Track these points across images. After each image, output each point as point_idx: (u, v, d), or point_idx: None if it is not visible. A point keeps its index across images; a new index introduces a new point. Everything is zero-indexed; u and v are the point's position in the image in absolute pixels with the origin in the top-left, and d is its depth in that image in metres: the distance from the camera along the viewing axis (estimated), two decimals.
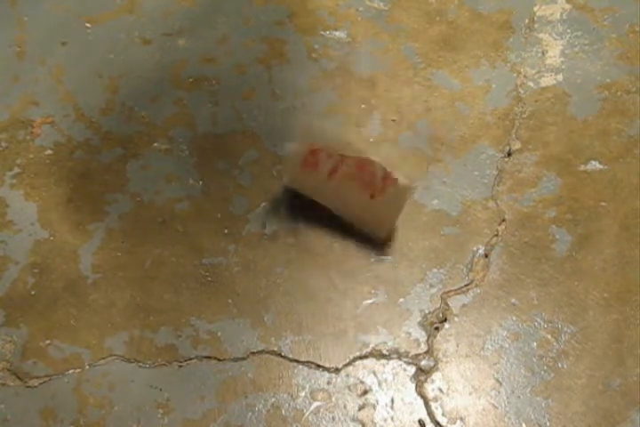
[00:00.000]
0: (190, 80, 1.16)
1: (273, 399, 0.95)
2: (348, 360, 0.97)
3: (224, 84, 1.16)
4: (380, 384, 0.96)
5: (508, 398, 0.95)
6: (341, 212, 1.02)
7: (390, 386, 0.95)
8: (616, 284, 1.01)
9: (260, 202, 1.07)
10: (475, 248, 1.04)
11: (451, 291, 1.01)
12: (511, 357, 0.97)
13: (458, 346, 0.98)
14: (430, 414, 0.94)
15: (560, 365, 0.96)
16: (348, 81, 1.16)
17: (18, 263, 1.03)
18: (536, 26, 1.21)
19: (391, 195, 0.96)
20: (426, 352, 0.97)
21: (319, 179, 0.98)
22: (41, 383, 0.96)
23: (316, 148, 0.97)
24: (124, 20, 1.21)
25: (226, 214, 1.06)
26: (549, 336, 0.98)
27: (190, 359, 0.97)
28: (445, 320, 0.99)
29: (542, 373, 0.96)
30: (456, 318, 0.99)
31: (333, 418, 0.94)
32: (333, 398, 0.95)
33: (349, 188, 0.98)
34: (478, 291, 1.01)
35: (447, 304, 1.00)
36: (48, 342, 0.98)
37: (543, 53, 1.19)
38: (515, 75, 1.17)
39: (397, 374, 0.96)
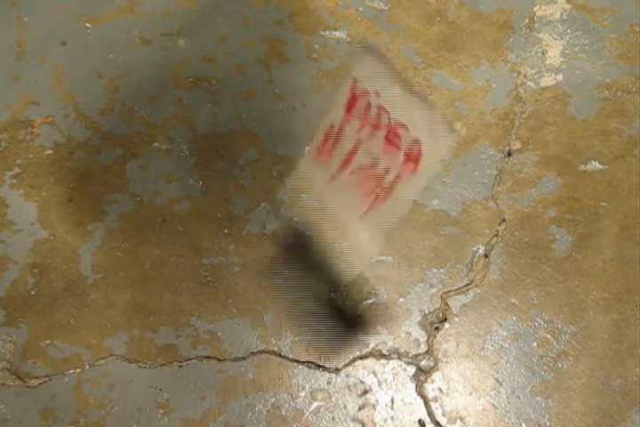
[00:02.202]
0: (190, 80, 1.16)
1: (273, 399, 0.95)
2: (348, 360, 0.97)
3: (224, 84, 1.16)
4: (379, 384, 0.96)
5: (507, 398, 0.95)
6: (337, 211, 0.98)
7: (390, 386, 0.95)
8: (616, 284, 1.01)
9: (259, 202, 1.07)
10: (475, 248, 1.04)
11: (451, 291, 1.01)
12: (511, 357, 0.97)
13: (458, 346, 0.98)
14: (430, 414, 0.94)
15: (560, 365, 0.96)
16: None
17: (18, 263, 1.03)
18: (536, 26, 1.21)
19: (396, 195, 0.92)
20: (426, 352, 0.97)
21: (327, 174, 0.94)
22: (41, 383, 0.96)
23: (356, 93, 0.89)
24: (124, 20, 1.21)
25: (226, 214, 1.06)
26: (549, 336, 0.98)
27: (190, 359, 0.97)
28: (445, 320, 0.99)
29: (542, 373, 0.96)
30: (456, 318, 0.99)
31: (333, 418, 0.94)
32: (333, 398, 0.95)
33: (355, 185, 0.94)
34: (478, 291, 1.01)
35: (447, 304, 1.00)
36: (48, 342, 0.98)
37: (543, 53, 1.19)
38: (515, 75, 1.17)
39: (397, 374, 0.96)
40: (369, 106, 0.89)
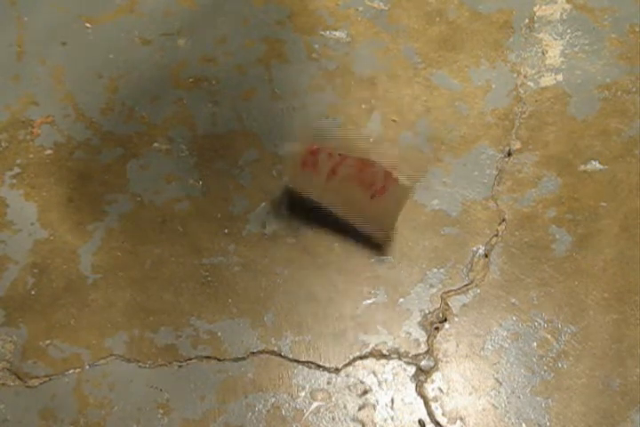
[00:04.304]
0: (190, 80, 1.16)
1: (273, 399, 0.95)
2: (348, 360, 0.97)
3: (224, 84, 1.16)
4: (379, 384, 0.96)
5: (507, 398, 0.95)
6: (341, 212, 1.02)
7: (390, 386, 0.95)
8: (616, 284, 1.01)
9: (259, 202, 1.07)
10: (475, 248, 1.04)
11: (451, 291, 1.01)
12: (511, 357, 0.97)
13: (458, 346, 0.98)
14: (430, 414, 0.94)
15: (560, 365, 0.96)
16: (348, 81, 1.16)
17: (18, 263, 1.03)
18: (536, 26, 1.21)
19: (391, 195, 0.96)
20: (426, 352, 0.98)
21: (319, 180, 0.98)
22: (41, 383, 0.96)
23: (315, 148, 0.97)
24: (124, 20, 1.21)
25: (226, 214, 1.06)
26: (549, 336, 0.98)
27: (190, 359, 0.97)
28: (445, 320, 0.99)
29: (542, 373, 0.96)
30: (456, 318, 0.99)
31: (333, 418, 0.94)
32: (333, 398, 0.95)
33: (349, 188, 0.98)
34: (478, 291, 1.01)
35: (447, 304, 1.00)
36: (48, 342, 0.98)
37: (543, 53, 1.19)
38: (515, 75, 1.17)
39: (397, 374, 0.96)
40: (331, 155, 0.96)
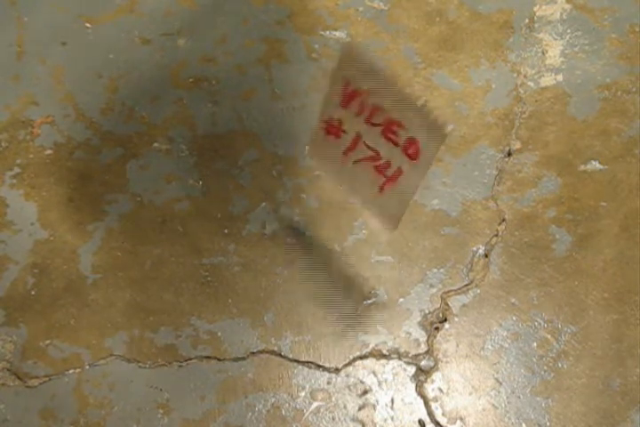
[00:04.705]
0: (190, 80, 1.16)
1: (273, 399, 0.95)
2: (348, 360, 0.97)
3: (224, 84, 1.16)
4: (379, 384, 0.96)
5: (507, 398, 0.95)
6: (350, 195, 0.99)
7: (390, 386, 0.96)
8: (616, 284, 1.01)
9: (259, 202, 1.07)
10: (475, 248, 1.04)
11: (451, 291, 1.01)
12: (511, 357, 0.97)
13: (458, 346, 0.98)
14: (430, 414, 0.94)
15: (560, 365, 0.96)
16: None
17: (18, 263, 1.03)
18: (536, 26, 1.21)
19: (402, 183, 0.92)
20: (426, 352, 0.98)
21: (336, 152, 0.95)
22: (41, 383, 0.96)
23: (351, 89, 0.89)
24: (124, 20, 1.21)
25: (226, 214, 1.06)
26: (549, 336, 0.98)
27: (190, 359, 0.97)
28: (445, 320, 0.99)
29: (542, 373, 0.96)
30: (456, 318, 0.99)
31: (333, 418, 0.94)
32: (333, 398, 0.95)
33: (361, 173, 0.94)
34: (478, 291, 1.01)
35: (447, 304, 1.00)
36: (48, 342, 0.98)
37: (543, 53, 1.19)
38: (515, 75, 1.17)
39: (397, 374, 0.96)
40: (363, 105, 0.89)
